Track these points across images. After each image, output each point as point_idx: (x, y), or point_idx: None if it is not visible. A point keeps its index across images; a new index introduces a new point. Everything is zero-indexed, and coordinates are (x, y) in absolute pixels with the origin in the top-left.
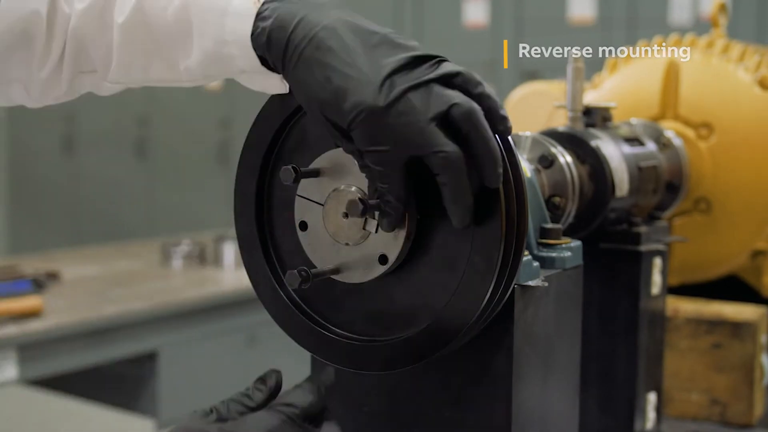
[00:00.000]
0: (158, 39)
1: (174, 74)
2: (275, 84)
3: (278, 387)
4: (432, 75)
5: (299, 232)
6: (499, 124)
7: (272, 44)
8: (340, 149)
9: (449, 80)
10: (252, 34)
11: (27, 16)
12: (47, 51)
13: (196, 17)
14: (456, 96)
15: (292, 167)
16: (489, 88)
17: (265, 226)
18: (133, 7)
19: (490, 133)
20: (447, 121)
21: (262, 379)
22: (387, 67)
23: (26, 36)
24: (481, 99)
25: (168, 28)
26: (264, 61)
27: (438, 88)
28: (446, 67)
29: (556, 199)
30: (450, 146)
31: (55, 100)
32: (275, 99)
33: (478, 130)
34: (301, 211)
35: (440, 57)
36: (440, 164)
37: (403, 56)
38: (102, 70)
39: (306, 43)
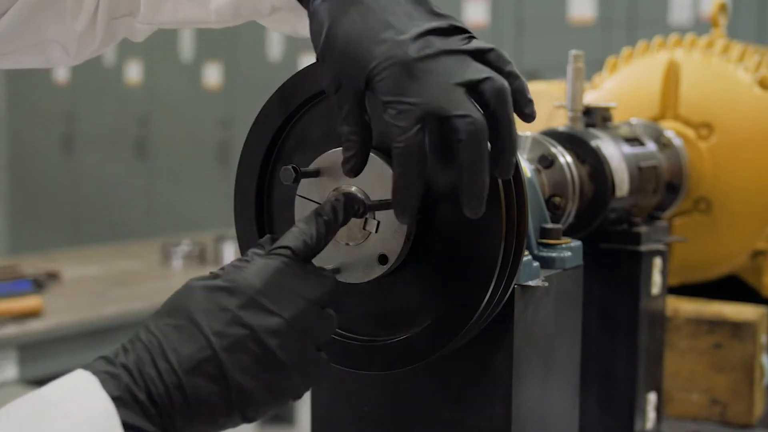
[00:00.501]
0: None
1: (203, 14)
2: (307, 25)
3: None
4: (467, 47)
5: None
6: (526, 107)
7: None
8: (337, 150)
9: (482, 55)
10: None
11: None
12: (80, 1)
13: None
14: (489, 71)
15: (292, 167)
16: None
17: (265, 226)
18: None
19: (514, 116)
20: (475, 92)
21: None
22: (425, 25)
23: None
24: (511, 78)
25: None
26: None
27: (471, 60)
28: (479, 43)
29: (556, 199)
30: (477, 113)
31: (93, 53)
32: (275, 99)
33: (505, 109)
34: (301, 211)
35: (472, 33)
36: (465, 129)
37: (442, 22)
38: (134, 10)
39: None
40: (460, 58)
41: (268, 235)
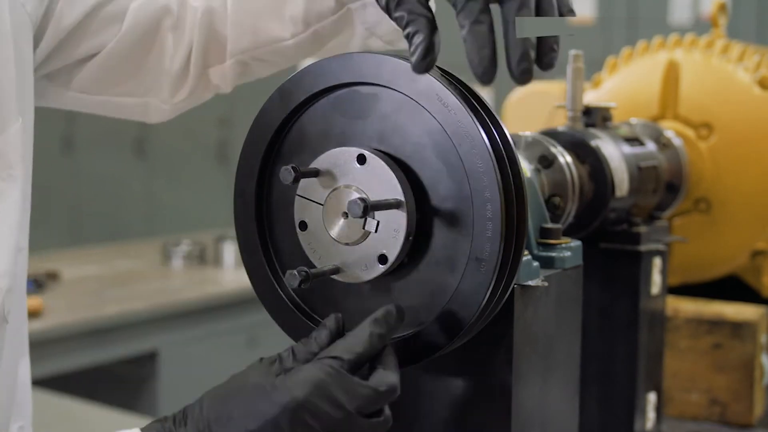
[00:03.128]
0: None
1: (281, 27)
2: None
3: (340, 330)
4: None
5: (299, 232)
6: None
7: None
8: (340, 149)
9: None
10: None
11: (157, 11)
12: (178, 44)
13: None
14: None
15: (292, 167)
16: None
17: (265, 226)
18: None
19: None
20: None
21: (323, 324)
22: None
23: (157, 30)
24: None
25: None
26: None
27: None
28: None
29: (556, 199)
30: None
31: (185, 104)
32: (275, 98)
33: None
34: (301, 211)
35: None
36: None
37: None
38: (223, 59)
39: None
40: None
41: (321, 329)
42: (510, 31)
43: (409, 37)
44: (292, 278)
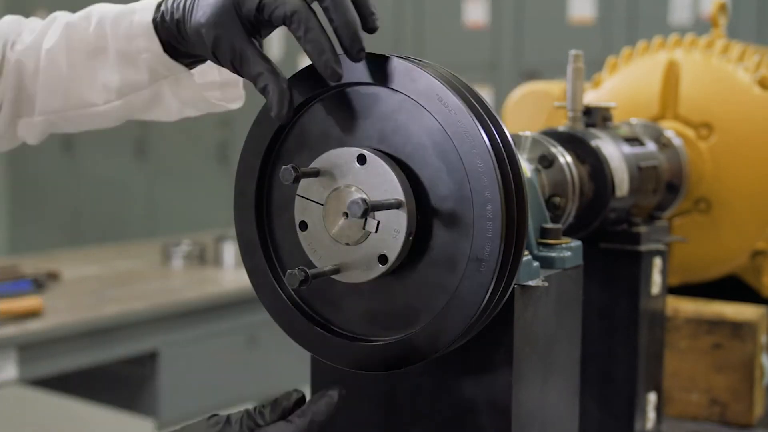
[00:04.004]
0: (80, 54)
1: (93, 93)
2: (190, 88)
3: (297, 407)
4: None
5: (299, 232)
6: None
7: (168, 12)
8: (341, 149)
9: None
10: (154, 20)
11: None
12: None
13: (111, 23)
14: None
15: (292, 167)
16: None
17: (265, 226)
18: (60, 32)
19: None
20: None
21: (277, 401)
22: None
23: None
24: None
25: (89, 42)
26: (168, 48)
27: None
28: None
29: (556, 199)
30: None
31: None
32: None
33: None
34: (301, 211)
35: None
36: None
37: None
38: (32, 111)
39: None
40: None
41: (277, 404)
42: (336, 20)
43: (263, 93)
44: (293, 278)
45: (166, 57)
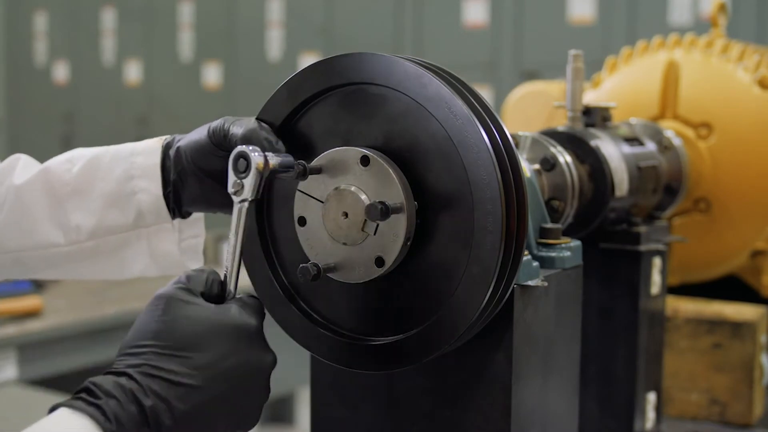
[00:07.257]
0: (56, 194)
1: (60, 234)
2: (167, 241)
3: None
4: None
5: (297, 227)
6: None
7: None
8: (345, 149)
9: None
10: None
11: None
12: None
13: (103, 165)
14: None
15: (301, 163)
16: None
17: (264, 225)
18: (38, 171)
19: None
20: None
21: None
22: None
23: None
24: None
25: (69, 183)
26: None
27: None
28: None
29: (555, 203)
30: None
31: None
32: (282, 93)
33: None
34: (301, 206)
35: None
36: None
37: None
38: None
39: None
40: None
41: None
42: None
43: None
44: (306, 272)
45: (161, 201)
